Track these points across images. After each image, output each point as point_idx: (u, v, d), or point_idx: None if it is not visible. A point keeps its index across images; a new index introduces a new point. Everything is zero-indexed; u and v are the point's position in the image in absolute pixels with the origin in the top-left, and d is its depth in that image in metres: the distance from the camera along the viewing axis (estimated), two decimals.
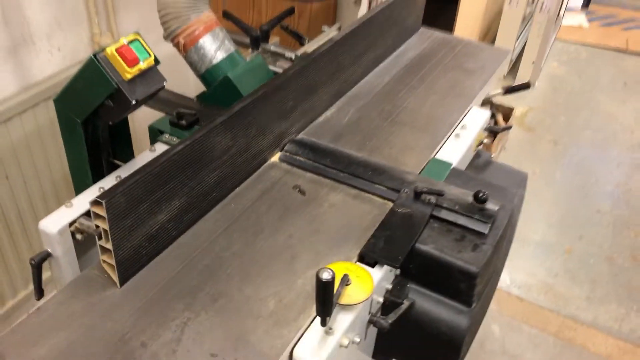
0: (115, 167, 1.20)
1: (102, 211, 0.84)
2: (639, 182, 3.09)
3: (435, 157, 1.28)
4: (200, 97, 1.37)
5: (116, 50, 0.96)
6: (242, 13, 1.94)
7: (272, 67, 1.49)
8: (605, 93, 3.85)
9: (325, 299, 0.80)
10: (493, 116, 3.30)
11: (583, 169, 3.14)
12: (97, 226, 0.87)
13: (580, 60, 4.27)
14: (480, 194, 1.09)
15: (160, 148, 1.23)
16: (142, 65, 0.98)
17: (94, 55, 0.96)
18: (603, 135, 3.44)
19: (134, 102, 0.98)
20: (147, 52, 1.00)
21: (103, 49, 0.97)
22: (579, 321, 2.30)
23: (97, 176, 1.18)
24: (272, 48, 1.55)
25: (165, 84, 1.04)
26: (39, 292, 1.06)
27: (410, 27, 1.72)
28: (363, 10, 1.85)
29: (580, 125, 3.52)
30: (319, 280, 0.78)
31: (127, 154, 1.22)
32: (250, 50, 1.54)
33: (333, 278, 0.78)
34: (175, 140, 1.24)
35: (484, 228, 1.06)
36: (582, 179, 3.07)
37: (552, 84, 3.94)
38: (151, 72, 1.01)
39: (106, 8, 1.80)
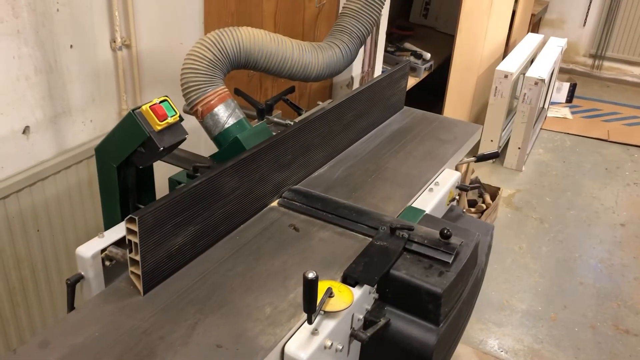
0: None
1: (134, 226, 1.05)
2: (620, 258, 3.27)
3: (411, 205, 1.50)
4: (213, 156, 1.62)
5: (150, 107, 1.22)
6: (251, 94, 2.24)
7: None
8: (588, 177, 4.12)
9: (311, 296, 1.00)
10: (481, 195, 3.53)
11: (568, 245, 3.33)
12: (130, 240, 1.08)
13: (565, 147, 4.58)
14: (445, 231, 1.30)
15: None
16: (170, 120, 1.24)
17: (132, 111, 1.21)
18: (586, 215, 3.66)
19: (161, 149, 1.23)
20: (174, 110, 1.26)
21: (139, 106, 1.22)
22: None
23: (125, 216, 1.40)
24: (275, 119, 1.83)
25: (186, 136, 1.29)
26: (71, 308, 1.24)
27: (394, 105, 2.00)
28: None
29: (565, 206, 3.75)
30: (305, 279, 0.98)
31: (151, 200, 1.45)
32: (256, 120, 1.81)
33: (317, 277, 0.98)
34: None
35: (448, 258, 1.27)
36: (567, 253, 3.25)
37: (539, 168, 4.22)
38: (176, 126, 1.27)
39: (134, 87, 2.10)
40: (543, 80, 3.90)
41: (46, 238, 1.91)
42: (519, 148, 4.14)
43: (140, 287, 1.11)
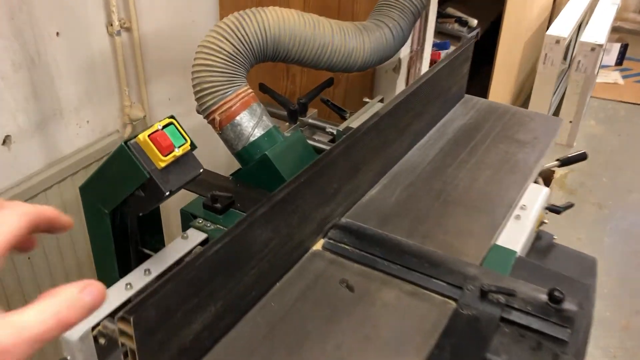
0: (143, 257, 1.09)
1: (129, 329, 0.72)
2: None
3: (496, 243, 1.14)
4: (236, 175, 1.28)
5: (149, 136, 0.87)
6: (276, 82, 1.87)
7: (310, 142, 1.40)
8: None
9: None
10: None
11: (633, 235, 2.96)
12: (123, 344, 0.75)
13: (619, 118, 4.14)
14: (556, 293, 0.95)
15: (194, 235, 1.13)
16: (177, 152, 0.89)
17: (125, 143, 0.87)
18: None
19: (167, 193, 0.89)
20: (184, 137, 0.91)
21: (135, 136, 0.88)
22: None
23: (124, 268, 1.08)
24: (311, 121, 1.47)
25: (201, 170, 0.94)
26: None
27: (454, 96, 1.62)
28: (402, 77, 1.76)
29: (625, 187, 3.35)
30: None
31: (158, 243, 1.12)
32: (287, 123, 1.45)
33: None
34: (209, 225, 1.14)
35: (563, 334, 0.92)
36: (633, 245, 2.88)
37: (591, 144, 3.80)
38: (187, 159, 0.92)
39: (137, 79, 1.75)
40: (601, 46, 3.45)
41: (40, 266, 1.60)
42: (570, 122, 3.72)
43: None
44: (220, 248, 0.84)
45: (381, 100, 1.49)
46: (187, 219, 1.17)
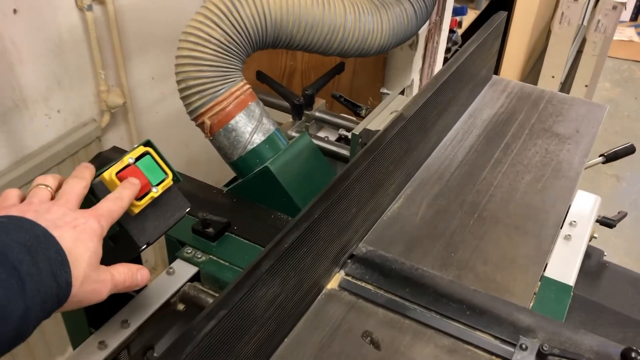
0: (121, 299, 0.90)
1: None
2: None
3: (546, 274, 0.95)
4: (233, 188, 1.07)
5: (117, 174, 0.66)
6: (275, 58, 1.65)
7: (316, 142, 1.19)
8: None
9: None
10: None
11: None
12: None
13: (635, 80, 3.90)
14: (633, 354, 0.77)
15: (180, 268, 0.93)
16: (156, 192, 0.68)
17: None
18: None
19: (143, 247, 0.68)
20: (163, 170, 0.70)
21: (100, 172, 0.67)
22: None
23: (96, 314, 0.88)
24: (318, 114, 1.25)
25: (188, 210, 0.74)
26: None
27: (483, 79, 1.40)
28: (419, 53, 1.53)
29: None
30: None
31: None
32: (291, 121, 1.23)
33: None
34: (200, 256, 0.94)
35: None
36: None
37: (608, 108, 3.58)
38: (168, 198, 0.72)
39: (115, 59, 1.51)
40: (623, 4, 3.18)
41: None
42: (586, 86, 3.48)
43: None
44: (215, 326, 0.64)
45: (402, 92, 1.26)
46: (174, 248, 0.97)
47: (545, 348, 0.77)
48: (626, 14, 4.68)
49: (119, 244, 0.70)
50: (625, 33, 4.49)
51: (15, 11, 1.26)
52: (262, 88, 1.30)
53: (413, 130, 1.05)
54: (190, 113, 1.03)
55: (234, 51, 1.00)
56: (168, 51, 1.41)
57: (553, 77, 3.50)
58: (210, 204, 1.05)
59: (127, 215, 0.67)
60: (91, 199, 0.67)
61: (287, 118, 1.29)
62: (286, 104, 1.27)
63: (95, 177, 0.67)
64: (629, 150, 1.34)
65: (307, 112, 1.24)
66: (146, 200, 0.68)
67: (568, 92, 3.56)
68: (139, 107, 1.66)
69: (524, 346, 0.80)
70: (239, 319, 0.68)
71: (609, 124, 3.45)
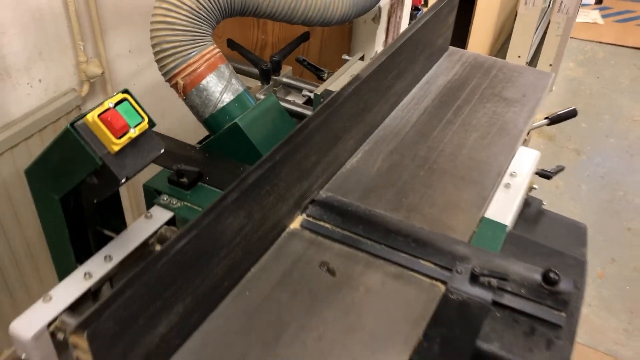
0: (104, 239, 1.00)
1: (83, 343, 0.64)
2: None
3: (485, 216, 1.08)
4: (204, 144, 1.17)
5: (99, 116, 0.76)
6: (246, 31, 1.73)
7: (284, 104, 1.29)
8: (627, 96, 3.65)
9: None
10: None
11: (610, 181, 2.95)
12: (78, 358, 0.67)
13: (598, 60, 4.06)
14: (551, 274, 0.89)
15: (158, 213, 1.03)
16: (133, 132, 0.78)
17: (71, 125, 0.75)
18: (628, 143, 3.24)
19: (123, 181, 0.78)
20: (139, 114, 0.80)
21: (83, 115, 0.76)
22: (619, 357, 2.11)
23: (83, 252, 0.98)
24: (285, 79, 1.35)
25: (162, 150, 0.84)
26: None
27: (439, 49, 1.51)
28: (382, 27, 1.64)
29: (604, 132, 3.32)
30: None
31: (118, 223, 1.02)
32: (260, 85, 1.33)
33: None
34: (175, 203, 1.04)
35: (558, 318, 0.87)
36: (610, 192, 2.88)
37: (571, 87, 3.74)
38: (145, 139, 0.81)
39: (93, 32, 1.59)
40: None
41: None
42: (551, 65, 3.63)
43: None
44: (186, 243, 0.74)
45: (362, 58, 1.37)
46: (151, 196, 1.07)
47: (476, 270, 0.89)
48: None
49: (100, 179, 0.80)
50: (590, 15, 4.65)
51: None
52: (233, 56, 1.40)
53: (369, 90, 1.16)
54: (164, 75, 1.12)
55: (205, 17, 1.10)
56: (143, 26, 1.50)
57: (519, 56, 3.63)
58: (184, 158, 1.15)
59: (108, 153, 0.77)
60: (78, 141, 0.76)
61: (257, 84, 1.39)
62: (255, 70, 1.37)
63: (78, 120, 0.77)
64: (571, 114, 1.46)
65: (274, 78, 1.34)
66: (125, 140, 0.77)
67: None
68: (117, 78, 1.74)
69: (459, 270, 0.92)
70: (209, 240, 0.78)
71: (572, 101, 3.60)
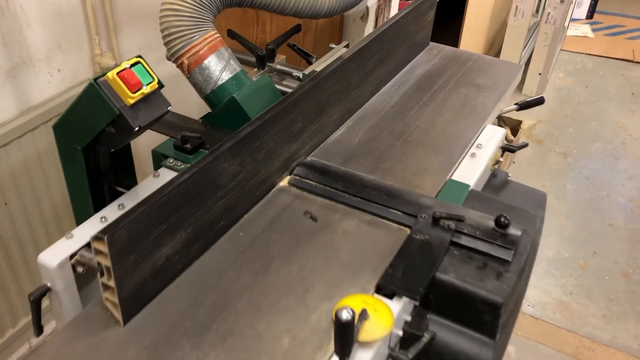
0: (117, 194, 1.15)
1: (104, 247, 0.78)
2: None
3: (452, 178, 1.22)
4: (205, 118, 1.33)
5: (117, 74, 0.91)
6: (246, 30, 1.90)
7: (278, 87, 1.44)
8: (614, 104, 3.81)
9: (345, 340, 0.75)
10: None
11: (594, 182, 3.09)
12: (99, 263, 0.81)
13: (587, 70, 4.23)
14: (502, 219, 1.03)
15: (165, 173, 1.18)
16: (145, 89, 0.93)
17: (94, 80, 0.91)
18: (613, 147, 3.39)
19: (136, 129, 0.94)
20: (151, 75, 0.95)
21: (104, 74, 0.92)
22: (597, 340, 2.23)
23: (99, 204, 1.13)
24: (279, 67, 1.51)
25: (169, 108, 0.99)
26: (38, 329, 1.00)
27: (419, 43, 1.67)
28: (370, 25, 1.80)
29: (590, 137, 3.47)
30: (338, 321, 0.73)
31: (130, 181, 1.17)
32: (256, 69, 1.49)
33: (353, 317, 0.73)
34: (179, 165, 1.19)
35: (507, 255, 1.01)
36: (594, 192, 3.01)
37: (559, 95, 3.89)
38: (155, 97, 0.97)
39: (107, 27, 1.76)
40: None
41: (17, 212, 1.64)
42: (540, 74, 3.80)
43: (119, 316, 0.85)
44: (187, 178, 0.89)
45: (347, 46, 1.53)
46: (159, 159, 1.22)
47: (437, 214, 1.04)
48: (582, 13, 5.02)
49: (117, 128, 0.95)
50: (581, 29, 4.83)
51: None
52: (232, 45, 1.56)
53: (351, 70, 1.31)
54: (171, 55, 1.28)
55: (207, 5, 1.26)
56: (153, 25, 1.66)
57: None
58: (188, 129, 1.30)
59: (124, 105, 0.92)
60: (100, 93, 0.91)
61: (254, 71, 1.55)
62: (253, 59, 1.53)
63: (100, 77, 0.92)
64: (539, 101, 1.61)
65: (269, 64, 1.50)
66: (138, 95, 0.93)
67: (523, 80, 3.87)
68: None
69: (423, 216, 1.06)
70: (208, 180, 0.93)
71: (560, 108, 3.75)
